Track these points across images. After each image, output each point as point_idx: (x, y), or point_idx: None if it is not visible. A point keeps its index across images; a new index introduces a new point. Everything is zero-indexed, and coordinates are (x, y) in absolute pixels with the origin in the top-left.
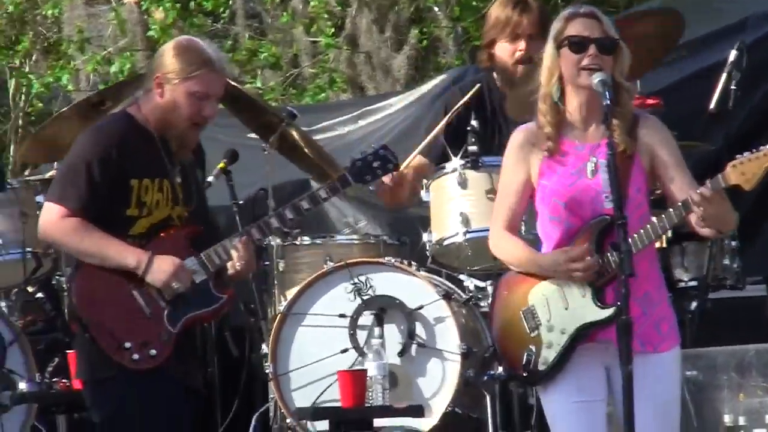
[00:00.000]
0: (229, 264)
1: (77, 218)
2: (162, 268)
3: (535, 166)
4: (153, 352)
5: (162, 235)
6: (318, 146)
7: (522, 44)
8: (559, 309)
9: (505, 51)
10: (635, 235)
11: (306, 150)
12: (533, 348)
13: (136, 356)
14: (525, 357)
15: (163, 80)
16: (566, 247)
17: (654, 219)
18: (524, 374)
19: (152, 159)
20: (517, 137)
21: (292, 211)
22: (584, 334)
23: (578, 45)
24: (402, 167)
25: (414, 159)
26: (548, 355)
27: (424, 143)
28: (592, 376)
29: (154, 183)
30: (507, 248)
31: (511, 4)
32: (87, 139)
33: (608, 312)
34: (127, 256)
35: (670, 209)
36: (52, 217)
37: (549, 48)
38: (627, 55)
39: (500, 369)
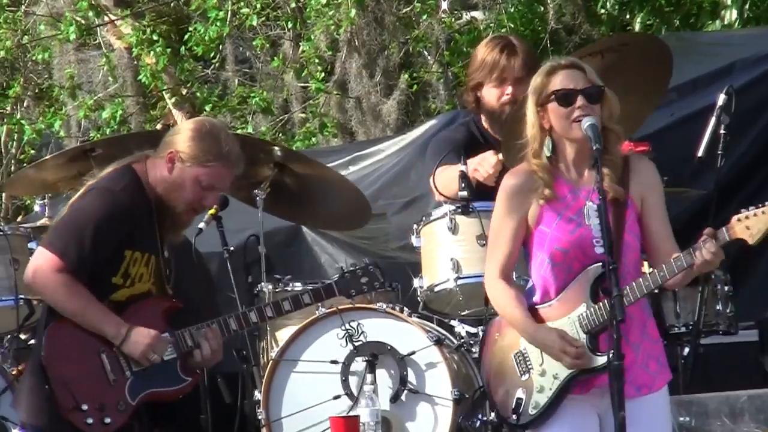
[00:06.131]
0: (195, 351)
1: (70, 275)
2: (139, 339)
3: (533, 211)
4: (107, 420)
5: (141, 303)
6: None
7: (509, 89)
8: None
9: (492, 95)
10: (634, 284)
11: (302, 194)
12: (524, 391)
13: (90, 420)
14: (515, 400)
15: (176, 158)
16: (563, 333)
17: (655, 269)
18: (514, 417)
19: (147, 234)
20: (510, 182)
21: (272, 310)
22: (577, 382)
23: (565, 98)
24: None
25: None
26: (539, 399)
27: None
28: (584, 423)
29: (143, 257)
30: (503, 304)
31: (498, 48)
32: (99, 201)
33: (603, 359)
34: (107, 324)
35: (672, 260)
36: (46, 266)
37: (530, 104)
38: (614, 100)
39: (492, 414)
